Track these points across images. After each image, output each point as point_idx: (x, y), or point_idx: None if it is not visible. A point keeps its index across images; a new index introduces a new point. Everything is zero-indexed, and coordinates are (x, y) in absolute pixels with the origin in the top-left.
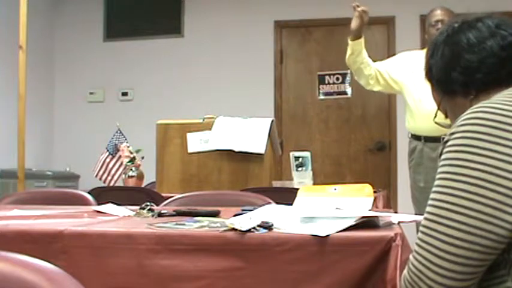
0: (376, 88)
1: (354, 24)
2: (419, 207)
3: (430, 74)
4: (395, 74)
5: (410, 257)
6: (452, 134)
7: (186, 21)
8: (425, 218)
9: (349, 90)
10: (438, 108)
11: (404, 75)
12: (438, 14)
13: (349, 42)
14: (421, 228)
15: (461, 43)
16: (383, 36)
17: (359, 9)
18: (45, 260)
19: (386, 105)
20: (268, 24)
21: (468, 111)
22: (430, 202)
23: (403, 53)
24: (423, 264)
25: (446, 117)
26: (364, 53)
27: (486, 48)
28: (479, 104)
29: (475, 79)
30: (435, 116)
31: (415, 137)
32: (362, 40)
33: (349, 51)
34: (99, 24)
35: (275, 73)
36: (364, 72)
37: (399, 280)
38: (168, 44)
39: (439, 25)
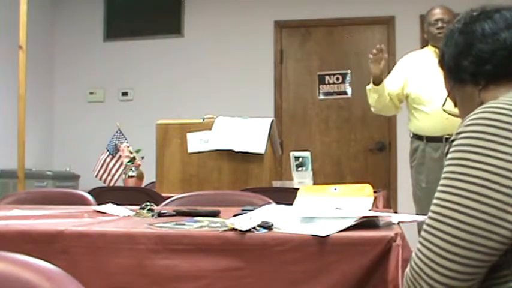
0: (398, 112)
1: (377, 69)
2: (421, 207)
3: (442, 61)
4: (401, 83)
5: (413, 255)
6: (459, 133)
7: (186, 21)
8: (430, 217)
9: (349, 90)
10: (448, 96)
11: (407, 80)
12: (438, 12)
13: (373, 87)
14: (424, 227)
15: (475, 32)
16: (383, 36)
17: (377, 51)
18: (45, 260)
19: None
20: (268, 24)
21: (476, 111)
22: (434, 201)
23: (402, 59)
24: (425, 263)
25: (455, 106)
26: (386, 89)
27: (500, 40)
28: (487, 104)
29: (484, 70)
30: (444, 103)
31: (417, 137)
32: (384, 81)
33: (374, 96)
34: (99, 24)
35: (275, 73)
36: (389, 106)
37: (401, 280)
38: (168, 44)
39: (439, 24)
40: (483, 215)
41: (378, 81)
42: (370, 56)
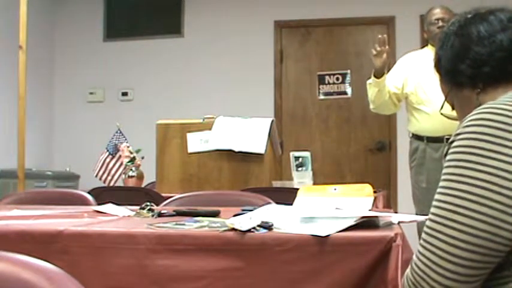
0: (397, 110)
1: (380, 61)
2: (421, 207)
3: (439, 65)
4: (401, 83)
5: (414, 257)
6: (458, 134)
7: (186, 21)
8: (430, 219)
9: (349, 90)
10: (445, 100)
11: (407, 80)
12: (438, 12)
13: (374, 80)
14: (425, 229)
15: (471, 35)
16: None
17: (383, 48)
18: (45, 260)
19: None
20: (268, 24)
21: (474, 112)
22: (434, 203)
23: (402, 59)
24: (426, 265)
25: (453, 109)
26: (386, 86)
27: (496, 41)
28: (486, 105)
29: (482, 72)
30: (441, 108)
31: (417, 137)
32: (385, 75)
33: (375, 89)
34: (99, 24)
35: (275, 73)
36: (388, 103)
37: (401, 280)
38: (168, 44)
39: (440, 23)
40: (485, 217)
41: (379, 74)
42: (373, 51)
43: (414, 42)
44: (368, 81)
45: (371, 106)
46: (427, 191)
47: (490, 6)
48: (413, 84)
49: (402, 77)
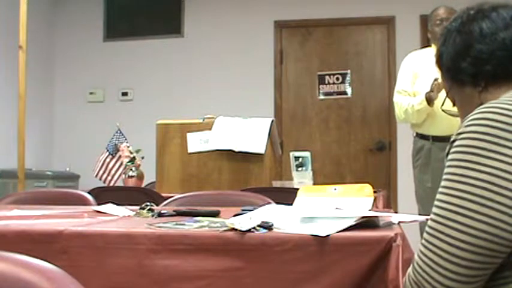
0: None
1: (436, 94)
2: (425, 207)
3: (440, 61)
4: (411, 85)
5: (416, 256)
6: (460, 134)
7: (186, 21)
8: (431, 219)
9: (349, 90)
10: (446, 96)
11: (417, 77)
12: (442, 13)
13: (426, 105)
14: (427, 229)
15: (473, 33)
16: (383, 36)
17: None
18: (45, 260)
19: (387, 105)
20: (268, 24)
21: (476, 111)
22: (436, 203)
23: (407, 58)
24: (428, 265)
25: (454, 105)
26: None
27: (498, 39)
28: (488, 104)
29: (484, 70)
30: (443, 104)
31: (422, 136)
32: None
33: (423, 115)
34: (99, 24)
35: (275, 73)
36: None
37: (402, 279)
38: (168, 44)
39: (444, 24)
40: (485, 218)
41: (432, 102)
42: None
43: (414, 42)
44: (416, 108)
45: (401, 120)
46: (432, 191)
47: (493, 2)
48: (420, 83)
49: (412, 77)
